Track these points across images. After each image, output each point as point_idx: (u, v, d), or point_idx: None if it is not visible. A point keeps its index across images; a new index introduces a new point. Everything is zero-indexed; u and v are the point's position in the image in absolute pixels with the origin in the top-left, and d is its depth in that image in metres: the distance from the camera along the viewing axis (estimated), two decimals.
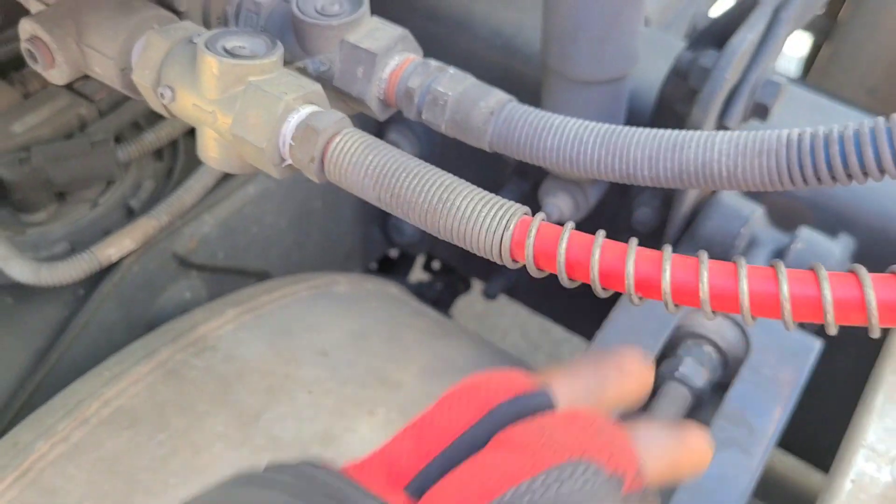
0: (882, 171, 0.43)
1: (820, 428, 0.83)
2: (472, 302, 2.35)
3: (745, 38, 0.76)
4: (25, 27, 0.57)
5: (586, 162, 0.51)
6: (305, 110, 0.51)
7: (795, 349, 0.72)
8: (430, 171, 0.48)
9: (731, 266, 0.41)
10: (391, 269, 1.47)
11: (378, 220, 1.24)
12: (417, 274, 1.55)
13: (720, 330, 0.73)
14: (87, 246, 0.84)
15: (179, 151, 0.97)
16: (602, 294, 0.44)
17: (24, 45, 0.57)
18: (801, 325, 0.81)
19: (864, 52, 1.75)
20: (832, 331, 0.40)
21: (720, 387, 0.73)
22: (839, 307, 0.39)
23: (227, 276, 0.99)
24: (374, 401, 0.72)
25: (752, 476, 0.65)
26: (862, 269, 0.39)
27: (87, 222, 0.90)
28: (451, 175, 0.48)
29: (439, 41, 1.03)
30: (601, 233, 0.44)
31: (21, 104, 0.92)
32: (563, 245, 0.43)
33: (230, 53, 0.52)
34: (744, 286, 0.40)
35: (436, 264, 1.48)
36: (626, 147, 0.50)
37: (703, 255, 0.42)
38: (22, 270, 0.78)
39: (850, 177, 0.44)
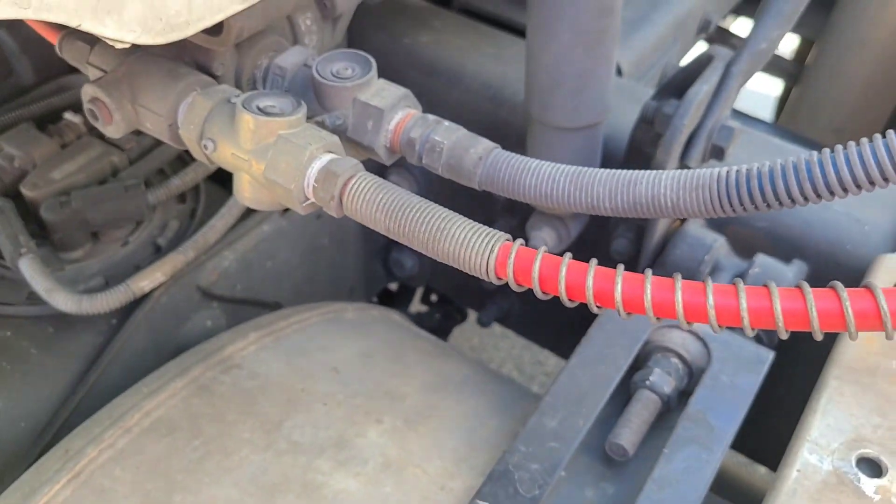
0: (792, 200, 0.54)
1: (769, 429, 0.93)
2: (468, 336, 2.45)
3: (701, 90, 0.87)
4: (88, 91, 0.67)
5: (558, 197, 0.61)
6: (326, 157, 0.61)
7: (751, 359, 0.82)
8: (429, 207, 0.58)
9: (670, 281, 0.51)
10: (391, 301, 1.57)
11: (380, 256, 1.35)
12: (416, 306, 1.65)
13: (685, 343, 0.83)
14: (120, 280, 0.93)
15: (201, 195, 1.08)
16: (569, 304, 0.54)
17: (86, 106, 0.68)
18: (759, 339, 0.91)
19: (829, 95, 1.87)
20: (749, 333, 0.50)
21: (685, 393, 0.83)
22: (753, 314, 0.49)
23: (244, 307, 1.09)
24: (381, 411, 0.82)
25: (712, 469, 0.74)
26: (772, 285, 0.50)
27: (120, 258, 1.00)
28: (447, 209, 0.58)
29: (435, 93, 1.14)
30: (567, 255, 0.54)
31: (59, 153, 1.03)
32: (537, 264, 0.54)
33: (263, 111, 0.62)
34: (679, 297, 0.50)
35: (433, 297, 1.58)
36: (590, 184, 0.60)
37: (648, 272, 0.52)
38: (65, 301, 0.88)
39: (767, 205, 0.54)
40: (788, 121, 2.00)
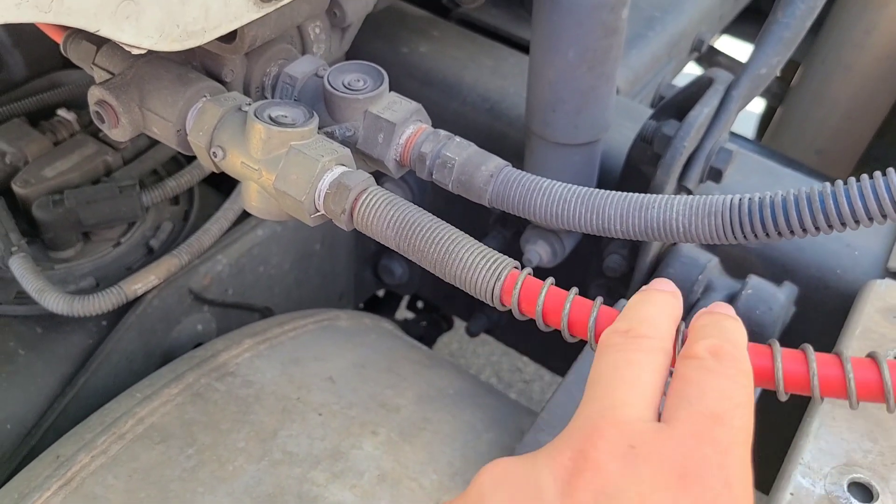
0: (804, 230, 0.54)
1: (760, 452, 0.93)
2: (447, 342, 2.45)
3: (702, 112, 0.88)
4: (95, 93, 0.66)
5: (568, 218, 0.62)
6: (338, 170, 0.61)
7: None
8: (440, 227, 0.58)
9: None
10: (378, 308, 1.56)
11: (370, 263, 1.34)
12: (402, 313, 1.65)
13: None
14: (112, 281, 0.92)
15: (195, 197, 1.07)
16: (569, 339, 0.52)
17: (92, 108, 0.67)
18: None
19: (812, 117, 1.90)
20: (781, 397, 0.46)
21: None
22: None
23: (235, 312, 1.08)
24: (377, 422, 0.81)
25: None
26: (777, 345, 0.45)
27: (111, 259, 0.99)
28: (457, 230, 0.57)
29: (432, 104, 1.14)
30: (574, 290, 0.51)
31: (52, 151, 1.01)
32: (542, 297, 0.52)
33: (275, 121, 0.62)
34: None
35: (420, 304, 1.58)
36: (601, 206, 0.60)
37: None
38: (57, 302, 0.86)
39: (779, 234, 0.55)
40: (771, 140, 2.03)
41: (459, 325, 2.57)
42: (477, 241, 0.57)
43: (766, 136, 2.09)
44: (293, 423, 0.79)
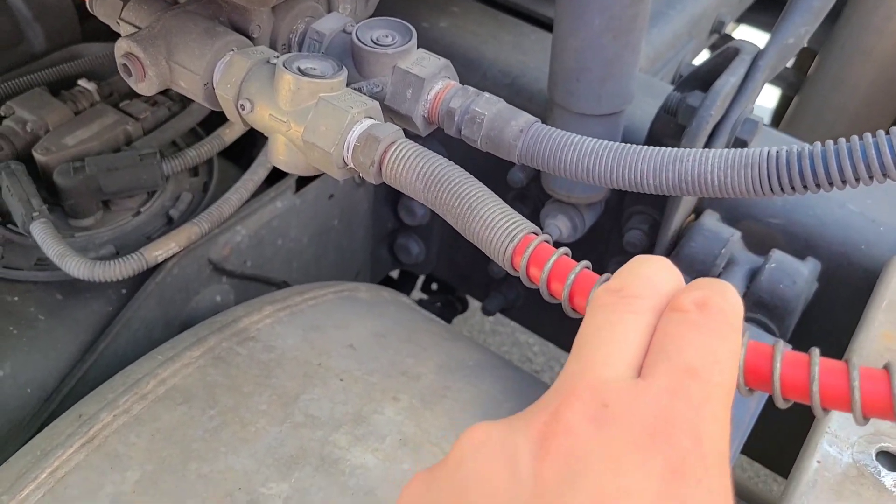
0: (844, 181, 0.54)
1: (779, 433, 0.93)
2: (457, 331, 2.44)
3: (728, 81, 0.87)
4: (122, 45, 0.66)
5: (600, 173, 0.61)
6: (367, 122, 0.60)
7: None
8: (468, 182, 0.57)
9: None
10: (392, 288, 1.56)
11: (387, 242, 1.34)
12: (416, 294, 1.64)
13: None
14: (131, 249, 0.92)
15: (214, 169, 1.06)
16: (571, 314, 0.47)
17: (119, 61, 0.66)
18: (768, 330, 0.91)
19: (831, 105, 1.89)
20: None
21: None
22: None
23: (252, 284, 1.07)
24: (398, 389, 0.81)
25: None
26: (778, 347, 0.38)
27: (131, 228, 0.98)
28: (485, 188, 0.56)
29: None
30: (584, 262, 0.47)
31: (72, 120, 1.01)
32: (548, 266, 0.49)
33: (304, 73, 0.62)
34: None
35: (433, 286, 1.57)
36: (634, 160, 0.60)
37: None
38: (78, 267, 0.86)
39: (818, 186, 0.54)
40: (788, 127, 2.02)
41: (470, 314, 2.56)
42: (504, 202, 0.55)
43: (783, 123, 2.07)
44: (315, 387, 0.79)
